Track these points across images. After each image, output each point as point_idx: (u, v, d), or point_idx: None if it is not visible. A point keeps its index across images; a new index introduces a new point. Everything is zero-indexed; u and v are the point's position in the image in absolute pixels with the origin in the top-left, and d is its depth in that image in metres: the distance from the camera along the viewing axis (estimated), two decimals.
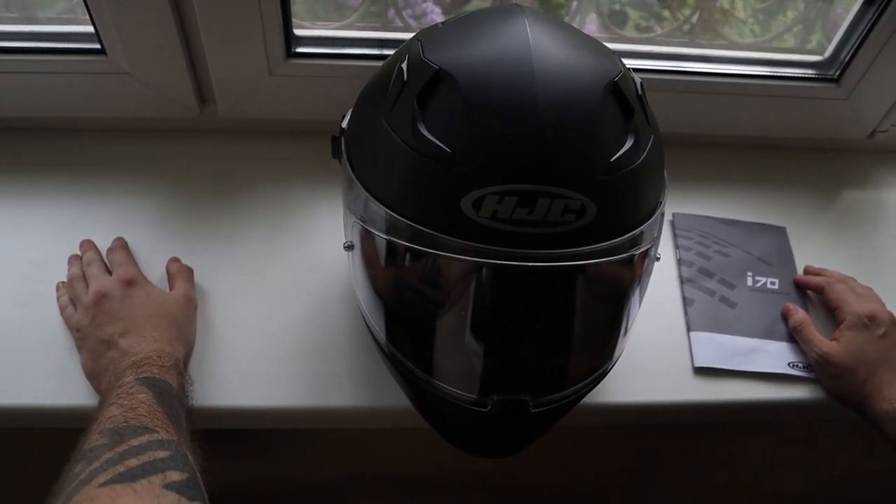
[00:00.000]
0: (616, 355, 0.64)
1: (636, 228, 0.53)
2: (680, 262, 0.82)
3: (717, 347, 0.74)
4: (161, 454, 0.48)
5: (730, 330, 0.76)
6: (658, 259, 0.61)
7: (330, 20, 0.86)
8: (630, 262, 0.55)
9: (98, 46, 0.78)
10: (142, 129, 0.87)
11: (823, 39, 0.91)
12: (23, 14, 0.84)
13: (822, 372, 0.72)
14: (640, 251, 0.55)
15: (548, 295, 0.54)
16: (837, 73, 0.89)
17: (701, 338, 0.75)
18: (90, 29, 0.77)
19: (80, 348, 0.66)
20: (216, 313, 0.73)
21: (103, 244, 0.76)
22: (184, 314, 0.69)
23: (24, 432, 0.72)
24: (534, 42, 0.51)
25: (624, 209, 0.52)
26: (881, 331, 0.71)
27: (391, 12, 0.85)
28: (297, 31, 0.81)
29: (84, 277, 0.70)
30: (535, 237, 0.49)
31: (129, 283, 0.68)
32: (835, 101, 0.90)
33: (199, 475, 0.50)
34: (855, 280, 0.78)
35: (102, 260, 0.73)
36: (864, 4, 0.83)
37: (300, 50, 0.81)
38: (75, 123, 0.86)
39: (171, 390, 0.58)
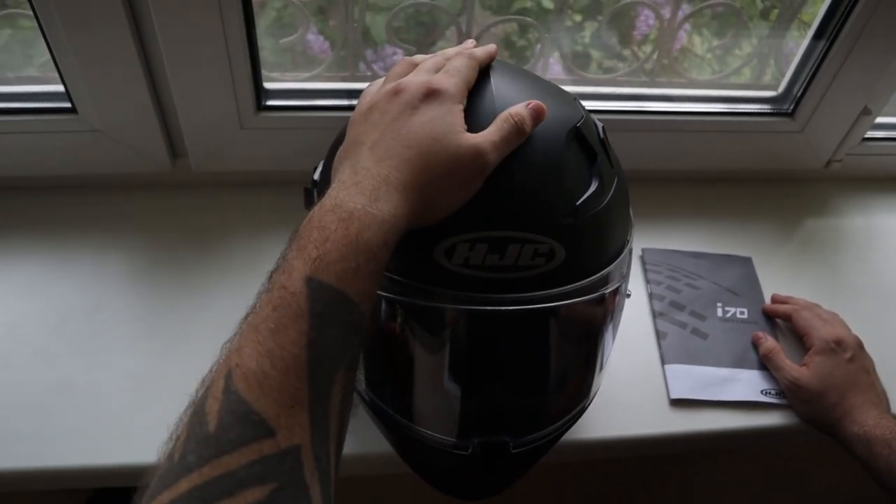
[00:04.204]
0: (593, 392, 0.65)
1: (605, 268, 0.54)
2: (651, 296, 0.83)
3: (692, 378, 0.75)
4: (258, 494, 0.35)
5: (703, 361, 0.77)
6: (629, 295, 0.62)
7: (298, 72, 0.87)
8: (601, 300, 0.56)
9: (69, 105, 0.79)
10: (114, 185, 0.87)
11: (777, 73, 0.94)
12: None
13: (793, 397, 0.74)
14: (609, 290, 0.56)
15: (523, 337, 0.55)
16: (791, 107, 0.92)
17: (675, 370, 0.76)
18: (60, 88, 0.78)
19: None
20: (194, 366, 0.72)
21: (78, 303, 0.75)
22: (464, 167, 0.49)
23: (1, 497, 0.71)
24: (497, 91, 0.52)
25: (592, 250, 0.53)
26: (848, 354, 0.73)
27: (362, 65, 0.87)
28: (267, 85, 0.82)
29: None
30: (507, 282, 0.50)
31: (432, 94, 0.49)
32: (790, 133, 0.93)
33: (322, 501, 0.38)
34: (820, 306, 0.80)
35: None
36: (813, 39, 0.87)
37: (270, 103, 0.82)
38: (47, 182, 0.86)
39: (344, 304, 0.41)
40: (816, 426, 0.72)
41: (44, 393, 0.69)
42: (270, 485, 0.36)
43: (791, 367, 0.74)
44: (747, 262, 0.88)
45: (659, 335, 0.79)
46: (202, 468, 0.35)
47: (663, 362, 0.77)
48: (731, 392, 0.75)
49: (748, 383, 0.76)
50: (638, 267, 0.86)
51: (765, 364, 0.77)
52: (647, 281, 0.85)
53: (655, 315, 0.81)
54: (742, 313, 0.82)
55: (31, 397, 0.68)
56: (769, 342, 0.77)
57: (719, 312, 0.82)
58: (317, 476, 0.38)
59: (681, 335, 0.79)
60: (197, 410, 0.38)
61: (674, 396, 0.74)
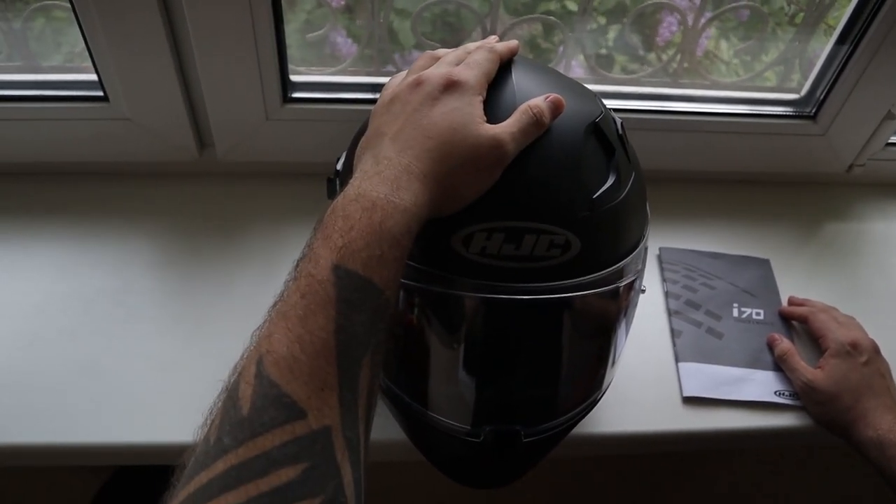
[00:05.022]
0: (605, 385, 0.66)
1: (619, 262, 0.55)
2: (667, 294, 0.84)
3: (705, 377, 0.76)
4: (291, 473, 0.36)
5: (717, 360, 0.77)
6: (643, 291, 0.63)
7: (324, 66, 0.89)
8: (615, 294, 0.57)
9: (101, 94, 0.81)
10: (142, 172, 0.89)
11: (802, 78, 0.94)
12: (26, 63, 0.87)
13: (807, 399, 0.74)
14: (624, 283, 0.56)
15: (536, 326, 0.56)
16: (814, 110, 0.92)
17: (689, 368, 0.77)
18: (93, 77, 0.80)
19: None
20: (216, 349, 0.74)
21: (104, 285, 0.77)
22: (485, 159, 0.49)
23: (27, 472, 0.73)
24: (517, 85, 0.53)
25: (607, 243, 0.54)
26: (864, 358, 0.73)
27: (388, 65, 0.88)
28: (293, 77, 0.84)
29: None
30: (522, 271, 0.51)
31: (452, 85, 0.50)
32: (812, 137, 0.93)
33: (353, 479, 0.39)
34: (837, 309, 0.80)
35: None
36: (836, 43, 0.86)
37: (296, 95, 0.84)
38: (78, 168, 0.88)
39: (371, 291, 0.43)
40: (830, 429, 0.72)
41: (69, 371, 0.71)
42: (303, 464, 0.37)
43: (806, 368, 0.74)
44: (765, 263, 0.88)
45: (674, 333, 0.80)
46: (237, 449, 0.36)
47: (677, 360, 0.77)
48: (744, 392, 0.75)
49: (762, 384, 0.76)
50: (655, 265, 0.87)
51: (779, 365, 0.77)
52: (664, 279, 0.85)
53: (671, 313, 0.82)
54: (758, 314, 0.82)
55: (57, 375, 0.70)
56: (784, 343, 0.78)
57: (735, 313, 0.82)
58: (347, 456, 0.39)
59: (696, 334, 0.80)
60: (231, 395, 0.40)
61: (687, 394, 0.74)
